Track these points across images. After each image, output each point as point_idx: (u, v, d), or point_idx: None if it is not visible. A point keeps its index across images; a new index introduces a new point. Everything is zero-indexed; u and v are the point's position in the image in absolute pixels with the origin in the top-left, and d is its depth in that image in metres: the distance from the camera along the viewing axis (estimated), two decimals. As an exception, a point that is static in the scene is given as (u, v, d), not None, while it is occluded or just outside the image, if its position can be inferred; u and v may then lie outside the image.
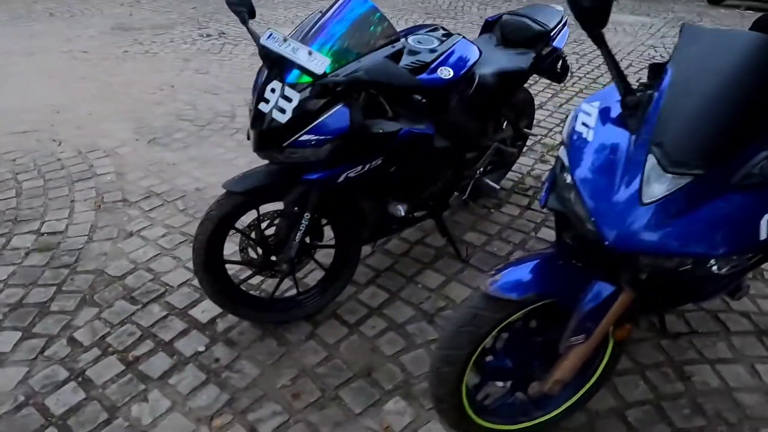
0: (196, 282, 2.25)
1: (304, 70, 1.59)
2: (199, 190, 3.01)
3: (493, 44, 2.47)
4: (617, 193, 1.16)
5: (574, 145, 1.29)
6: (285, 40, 1.61)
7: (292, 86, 1.61)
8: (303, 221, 1.85)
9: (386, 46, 1.73)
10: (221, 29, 6.25)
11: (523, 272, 1.39)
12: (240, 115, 3.99)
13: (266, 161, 1.82)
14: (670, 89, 1.19)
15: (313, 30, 1.68)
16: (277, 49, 1.61)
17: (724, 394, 1.83)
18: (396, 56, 1.76)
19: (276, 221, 1.96)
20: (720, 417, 1.75)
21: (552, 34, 2.45)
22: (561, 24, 2.53)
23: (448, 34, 2.09)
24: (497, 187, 2.55)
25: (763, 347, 2.01)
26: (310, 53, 1.57)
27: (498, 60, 2.31)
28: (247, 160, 3.28)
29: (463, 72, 1.98)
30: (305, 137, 1.62)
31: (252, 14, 1.82)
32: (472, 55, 2.03)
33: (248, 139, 1.76)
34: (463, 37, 2.09)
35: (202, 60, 5.22)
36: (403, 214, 2.02)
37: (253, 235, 1.95)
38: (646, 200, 1.13)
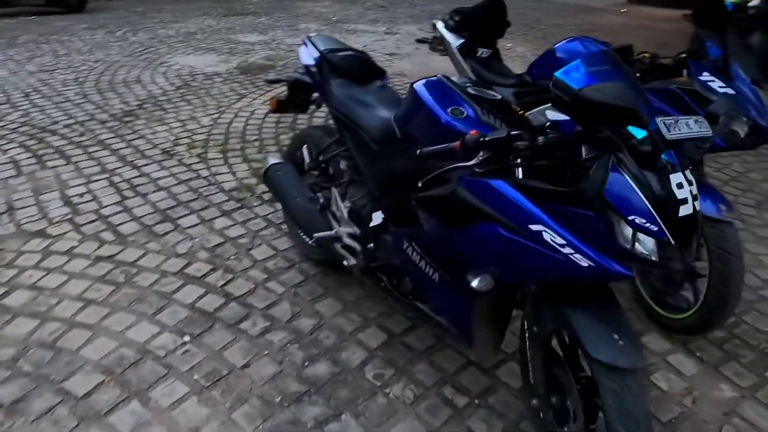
0: None
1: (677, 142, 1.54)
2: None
3: (352, 87, 2.20)
4: None
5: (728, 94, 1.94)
6: (677, 121, 1.53)
7: (679, 168, 1.43)
8: None
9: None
10: None
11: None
12: None
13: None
14: None
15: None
16: (686, 133, 1.52)
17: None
18: None
19: None
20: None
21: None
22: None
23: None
24: None
25: None
26: (696, 121, 1.55)
27: (386, 101, 2.10)
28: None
29: None
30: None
31: None
32: None
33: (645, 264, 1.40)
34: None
35: None
36: None
37: None
38: None
